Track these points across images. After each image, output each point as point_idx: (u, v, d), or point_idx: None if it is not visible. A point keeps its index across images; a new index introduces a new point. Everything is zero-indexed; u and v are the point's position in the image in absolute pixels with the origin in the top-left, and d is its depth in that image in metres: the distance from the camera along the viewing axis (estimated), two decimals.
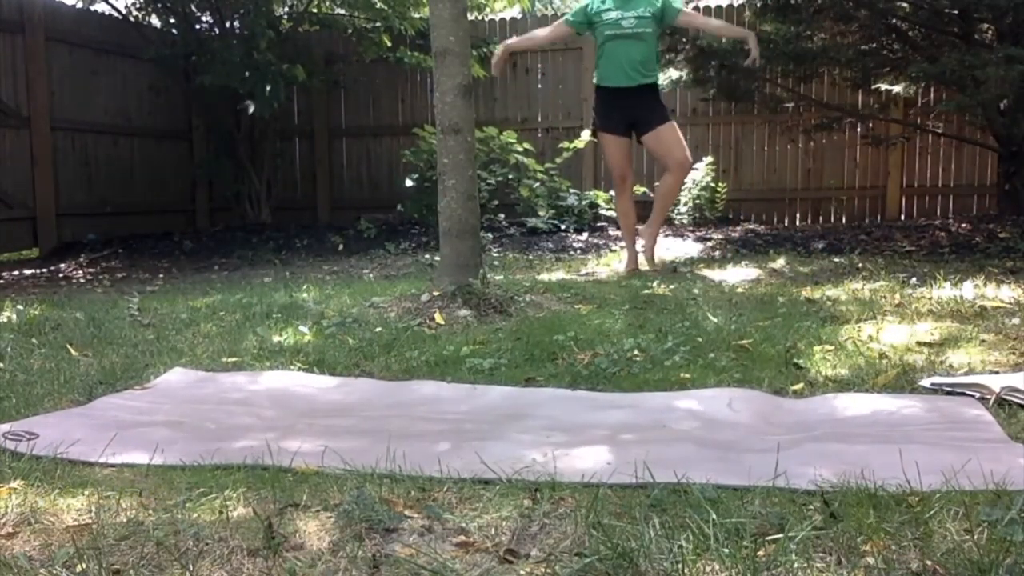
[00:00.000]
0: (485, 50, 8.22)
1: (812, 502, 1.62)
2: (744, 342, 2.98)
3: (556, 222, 7.23)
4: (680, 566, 1.36)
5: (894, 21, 6.49)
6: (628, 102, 4.86)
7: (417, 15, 7.89)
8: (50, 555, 1.48)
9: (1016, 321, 3.16)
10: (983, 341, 2.93)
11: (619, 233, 6.61)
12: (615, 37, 4.80)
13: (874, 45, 6.76)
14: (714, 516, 1.51)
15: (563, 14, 9.41)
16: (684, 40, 6.65)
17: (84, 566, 1.43)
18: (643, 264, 5.12)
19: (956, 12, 6.09)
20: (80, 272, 6.28)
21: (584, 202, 7.46)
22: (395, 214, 7.97)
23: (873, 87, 7.01)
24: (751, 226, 7.52)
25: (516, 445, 2.04)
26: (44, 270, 6.38)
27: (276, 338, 3.32)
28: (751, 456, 1.92)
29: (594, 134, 5.32)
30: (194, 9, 8.06)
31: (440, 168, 3.89)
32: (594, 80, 5.05)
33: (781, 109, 7.57)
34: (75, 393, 2.62)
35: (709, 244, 6.20)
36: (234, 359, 3.05)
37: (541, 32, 5.37)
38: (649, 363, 2.80)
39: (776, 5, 6.52)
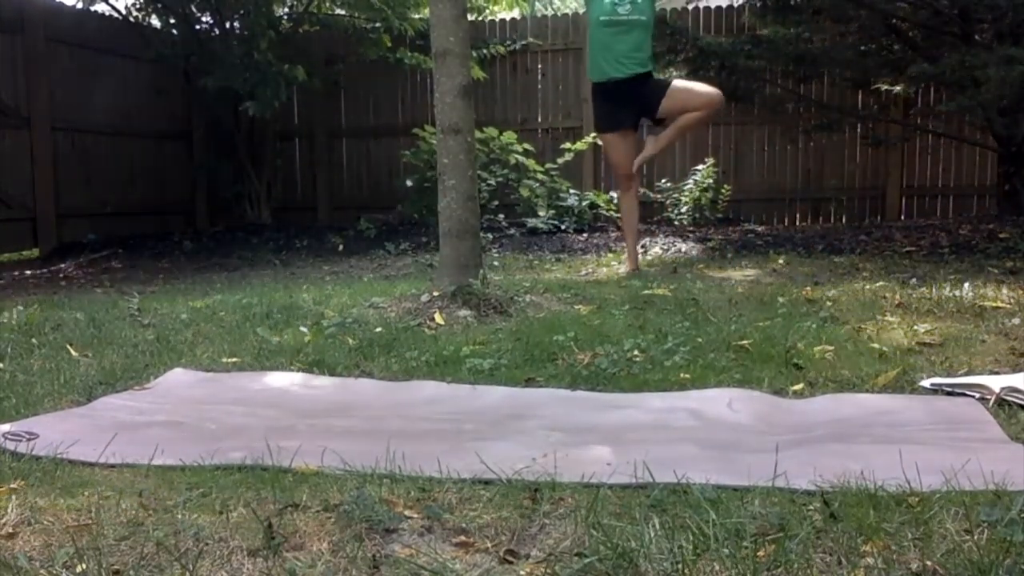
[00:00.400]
0: (485, 51, 8.24)
1: (812, 502, 1.62)
2: (744, 342, 2.98)
3: (556, 222, 7.23)
4: (680, 566, 1.36)
5: (894, 21, 6.49)
6: (629, 94, 4.75)
7: (417, 15, 7.90)
8: (50, 555, 1.48)
9: (1016, 321, 3.15)
10: (983, 341, 2.93)
11: (619, 233, 6.62)
12: (610, 24, 4.69)
13: (874, 45, 6.77)
14: (714, 516, 1.51)
15: (563, 15, 9.46)
16: (684, 40, 6.65)
17: (84, 566, 1.43)
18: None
19: (956, 12, 6.09)
20: (80, 272, 6.28)
21: (584, 202, 7.46)
22: (395, 214, 7.98)
23: (873, 87, 7.02)
24: (751, 226, 7.52)
25: (516, 445, 2.04)
26: (44, 270, 6.38)
27: (276, 338, 3.32)
28: (751, 456, 1.92)
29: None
30: (194, 9, 8.06)
31: (440, 168, 3.89)
32: (589, 76, 4.98)
33: (781, 110, 7.57)
34: (75, 393, 2.62)
35: (709, 244, 6.20)
36: (234, 359, 3.05)
37: None
38: (649, 363, 2.80)
39: (776, 6, 6.53)
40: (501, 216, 7.40)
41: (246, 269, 6.27)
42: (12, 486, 1.79)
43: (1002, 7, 5.58)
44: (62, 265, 6.56)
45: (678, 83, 4.88)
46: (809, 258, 5.35)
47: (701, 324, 3.31)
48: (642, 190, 7.06)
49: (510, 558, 1.45)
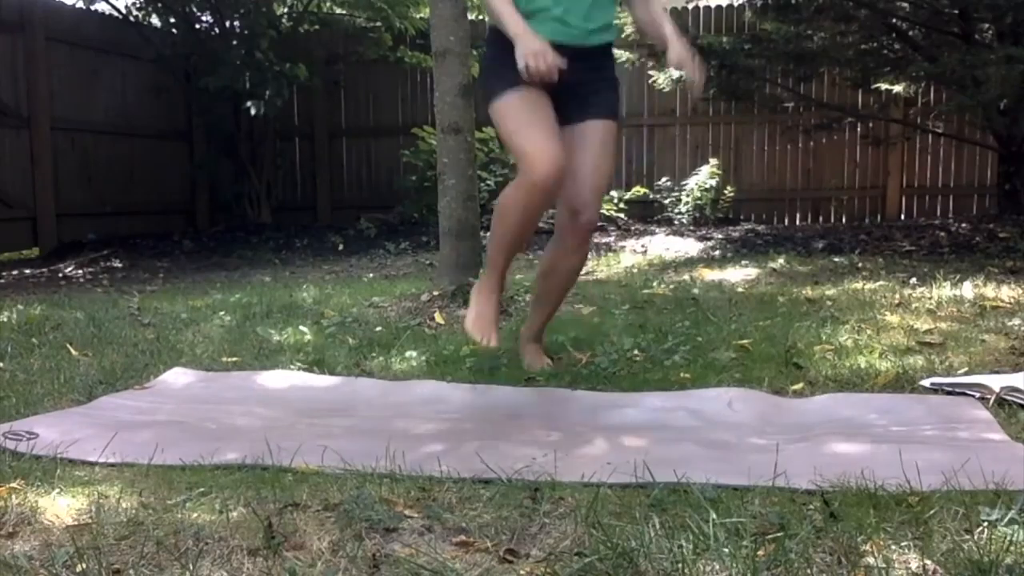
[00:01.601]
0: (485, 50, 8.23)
1: (812, 502, 1.62)
2: (744, 342, 2.98)
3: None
4: (680, 566, 1.36)
5: (894, 21, 6.49)
6: (569, 67, 2.49)
7: (417, 15, 7.89)
8: (50, 555, 1.47)
9: (1016, 321, 3.15)
10: (983, 341, 2.93)
11: (619, 233, 6.60)
12: None
13: (874, 45, 6.76)
14: (714, 516, 1.51)
15: None
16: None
17: (84, 566, 1.43)
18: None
19: (956, 12, 6.09)
20: (80, 272, 6.28)
21: None
22: (395, 214, 7.97)
23: (873, 87, 7.01)
24: (751, 226, 7.52)
25: (516, 445, 2.04)
26: (44, 270, 6.38)
27: (276, 338, 3.32)
28: (751, 456, 1.92)
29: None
30: (194, 9, 8.07)
31: (440, 168, 3.89)
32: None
33: (781, 109, 7.56)
34: (75, 393, 2.62)
35: (709, 244, 6.20)
36: (234, 359, 3.05)
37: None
38: (649, 363, 2.80)
39: (776, 5, 6.52)
40: None
41: (246, 269, 6.27)
42: (12, 485, 1.78)
43: (1002, 7, 5.57)
44: (62, 264, 6.56)
45: (614, 132, 2.76)
46: (809, 258, 5.34)
47: (701, 323, 3.31)
48: (643, 190, 7.05)
49: (510, 557, 1.45)
